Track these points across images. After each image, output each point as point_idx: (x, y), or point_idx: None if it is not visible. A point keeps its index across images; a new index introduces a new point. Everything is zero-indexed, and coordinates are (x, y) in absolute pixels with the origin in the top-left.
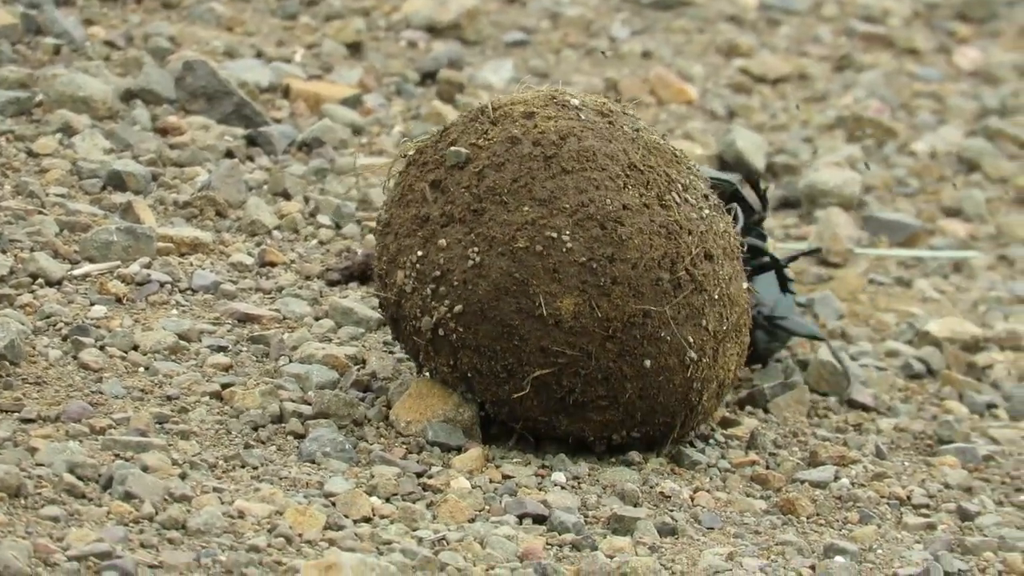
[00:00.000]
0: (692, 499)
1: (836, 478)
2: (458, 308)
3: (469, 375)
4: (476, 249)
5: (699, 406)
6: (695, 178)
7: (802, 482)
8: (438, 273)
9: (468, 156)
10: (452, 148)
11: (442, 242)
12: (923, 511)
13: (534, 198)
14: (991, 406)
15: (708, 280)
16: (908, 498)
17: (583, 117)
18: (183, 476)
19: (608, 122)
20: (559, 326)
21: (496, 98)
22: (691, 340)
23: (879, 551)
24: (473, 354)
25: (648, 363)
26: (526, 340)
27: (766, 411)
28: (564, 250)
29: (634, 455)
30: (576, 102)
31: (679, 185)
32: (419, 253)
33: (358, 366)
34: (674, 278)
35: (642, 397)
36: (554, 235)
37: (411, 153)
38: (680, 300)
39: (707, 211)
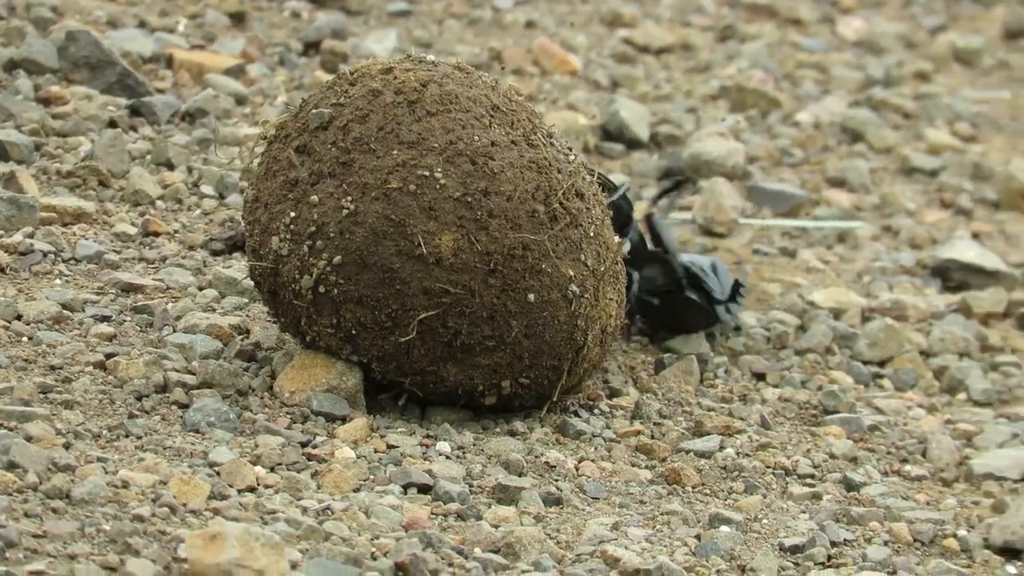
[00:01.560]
0: (577, 469)
1: (721, 448)
2: (337, 259)
3: (353, 332)
4: (350, 198)
5: (584, 348)
6: (556, 135)
7: (687, 452)
8: (313, 229)
9: (331, 115)
10: (314, 110)
11: (314, 198)
12: (808, 481)
13: (402, 142)
14: (877, 376)
15: (583, 216)
16: (793, 468)
17: (440, 69)
18: (67, 446)
19: (465, 74)
20: (440, 264)
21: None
22: (572, 274)
23: (764, 521)
24: (356, 307)
25: (532, 297)
26: (408, 283)
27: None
28: (438, 187)
29: (519, 425)
30: (431, 58)
31: (543, 131)
32: (292, 215)
33: (242, 336)
34: (549, 210)
35: (528, 336)
36: (426, 173)
37: (271, 133)
38: (557, 232)
39: (573, 158)
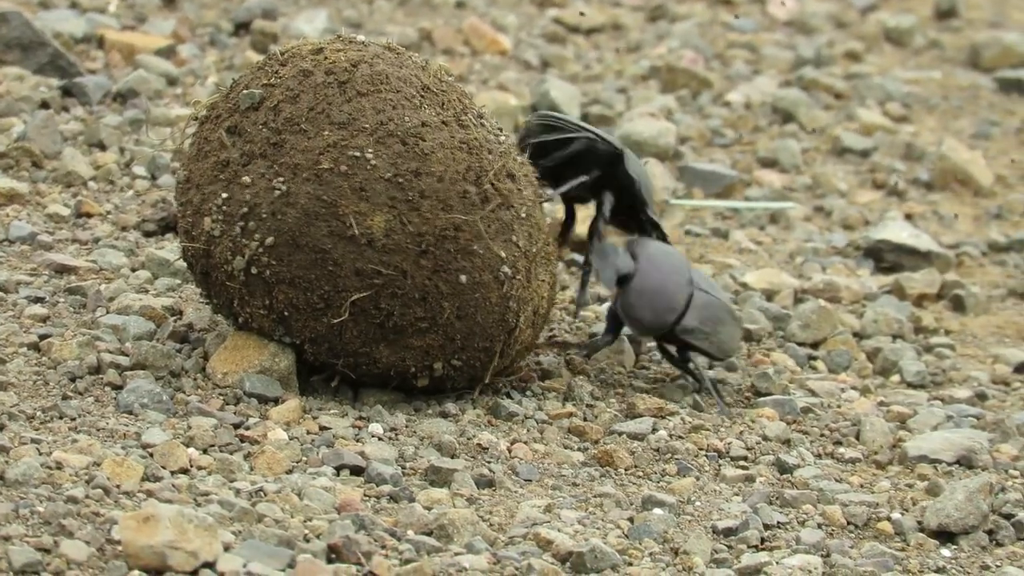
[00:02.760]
0: (509, 451)
1: (654, 430)
2: (269, 240)
3: (286, 313)
4: (281, 179)
5: (516, 330)
6: (487, 116)
7: (620, 434)
8: (245, 210)
9: (262, 96)
10: (245, 91)
11: (246, 179)
12: (741, 463)
13: (333, 122)
14: (810, 358)
15: (514, 197)
16: (727, 450)
17: (371, 49)
18: (1, 427)
19: (396, 54)
20: (372, 245)
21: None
22: (503, 255)
23: (698, 503)
24: (288, 288)
25: (463, 278)
26: (340, 264)
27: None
28: (369, 168)
29: (451, 407)
30: (362, 39)
31: (474, 111)
32: (224, 196)
33: (175, 317)
34: (480, 191)
35: (460, 317)
36: (357, 154)
37: (203, 113)
38: (488, 213)
39: (504, 139)
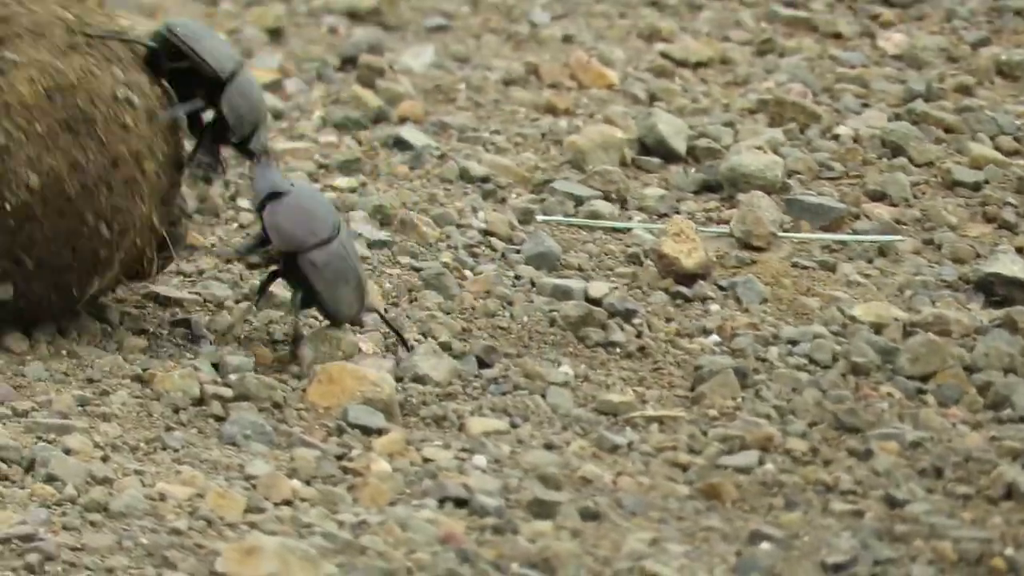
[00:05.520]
0: (614, 483)
1: (760, 463)
2: None
3: None
4: None
5: None
6: None
7: (726, 467)
8: None
9: None
10: None
11: None
12: (850, 498)
13: None
14: (920, 392)
15: None
16: (835, 484)
17: None
18: (105, 459)
19: None
20: None
21: None
22: None
23: (806, 538)
24: None
25: None
26: None
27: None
28: None
29: (554, 438)
30: None
31: None
32: None
33: (279, 348)
34: None
35: None
36: None
37: None
38: None
39: None
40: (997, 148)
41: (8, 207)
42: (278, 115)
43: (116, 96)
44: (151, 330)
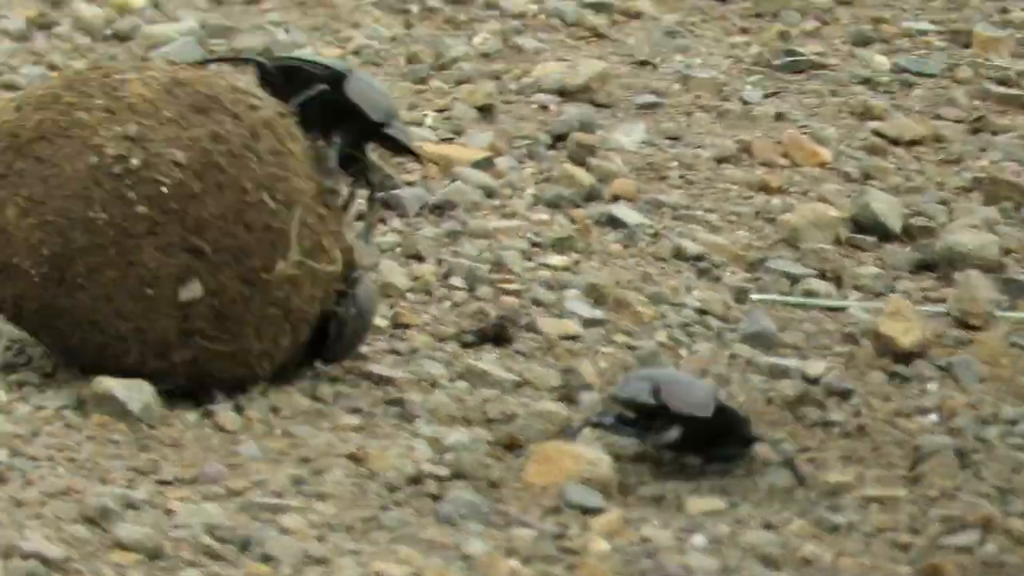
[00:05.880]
0: (835, 564)
1: (982, 543)
2: None
3: None
4: None
5: None
6: None
7: (947, 547)
8: None
9: None
10: None
11: None
12: None
13: None
14: None
15: None
16: None
17: None
18: (320, 538)
19: None
20: None
21: None
22: None
23: None
24: None
25: None
26: None
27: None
28: None
29: (774, 518)
30: None
31: None
32: None
33: (493, 427)
34: None
35: None
36: None
37: None
38: None
39: None
40: None
41: (166, 189)
42: (490, 193)
43: (234, 87)
44: (365, 408)
